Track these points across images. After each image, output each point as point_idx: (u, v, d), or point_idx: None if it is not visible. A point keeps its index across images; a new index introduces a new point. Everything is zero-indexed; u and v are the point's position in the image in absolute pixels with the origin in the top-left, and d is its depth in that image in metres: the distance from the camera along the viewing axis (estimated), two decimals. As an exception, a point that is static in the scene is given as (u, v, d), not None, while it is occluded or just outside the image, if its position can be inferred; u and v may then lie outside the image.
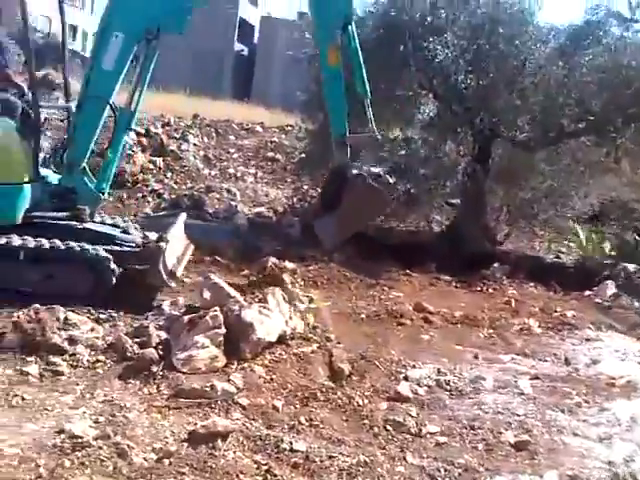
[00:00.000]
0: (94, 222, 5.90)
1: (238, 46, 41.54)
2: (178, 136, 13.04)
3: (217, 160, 12.71)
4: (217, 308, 4.35)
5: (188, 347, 4.15)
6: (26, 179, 5.52)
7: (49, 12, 39.43)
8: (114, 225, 6.23)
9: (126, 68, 5.67)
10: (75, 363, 4.15)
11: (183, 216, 6.51)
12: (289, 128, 15.28)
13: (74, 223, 5.62)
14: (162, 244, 5.40)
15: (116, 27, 5.53)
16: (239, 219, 9.33)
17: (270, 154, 13.53)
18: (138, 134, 12.36)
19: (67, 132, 5.95)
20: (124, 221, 6.59)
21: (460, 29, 8.26)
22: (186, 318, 4.32)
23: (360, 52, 5.69)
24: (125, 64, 5.64)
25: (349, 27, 5.61)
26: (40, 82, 16.16)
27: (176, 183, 11.10)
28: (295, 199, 10.70)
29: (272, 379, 4.13)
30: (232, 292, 4.63)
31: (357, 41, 5.66)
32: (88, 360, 4.19)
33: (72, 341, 4.27)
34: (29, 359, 4.12)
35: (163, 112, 14.46)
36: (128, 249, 5.67)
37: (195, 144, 13.17)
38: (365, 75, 5.69)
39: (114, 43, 5.52)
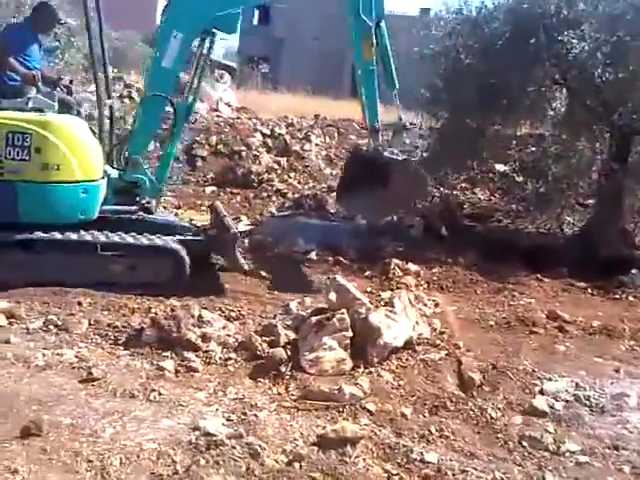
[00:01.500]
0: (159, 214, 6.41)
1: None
2: (301, 136, 13.23)
3: (339, 159, 12.76)
4: (344, 310, 4.33)
5: (316, 348, 4.16)
6: (101, 175, 5.84)
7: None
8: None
9: (186, 67, 6.21)
10: (208, 360, 4.27)
11: None
12: (410, 126, 15.08)
13: (143, 216, 6.00)
14: (236, 232, 6.04)
15: (176, 27, 5.80)
16: (360, 219, 9.31)
17: (391, 153, 13.42)
18: (263, 135, 12.69)
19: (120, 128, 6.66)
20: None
21: (598, 21, 7.75)
22: (313, 319, 4.33)
23: (390, 48, 6.33)
24: (183, 62, 6.02)
25: (381, 24, 6.20)
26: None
27: (299, 183, 11.27)
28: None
29: (399, 385, 4.06)
30: (358, 294, 4.59)
31: (387, 37, 6.27)
32: (220, 357, 4.31)
33: (205, 338, 4.40)
34: (165, 354, 4.29)
35: (287, 113, 14.73)
36: (198, 238, 6.14)
37: (317, 144, 13.31)
38: (394, 69, 6.40)
39: (173, 42, 5.78)
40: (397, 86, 6.48)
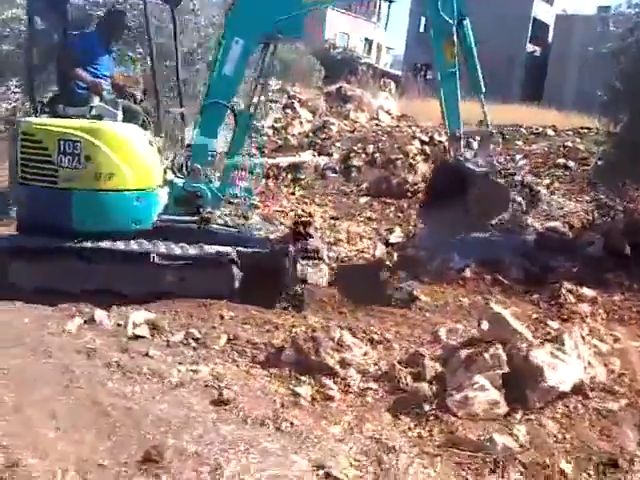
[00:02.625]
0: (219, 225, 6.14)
1: (530, 47, 39.64)
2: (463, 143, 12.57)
3: (502, 167, 11.92)
4: (499, 345, 3.78)
5: (465, 387, 3.67)
6: (157, 184, 5.70)
7: (348, 29, 42.17)
8: (234, 227, 6.51)
9: (245, 73, 5.88)
10: (346, 388, 3.95)
11: None
12: (585, 131, 13.84)
13: (203, 226, 5.76)
14: (290, 247, 5.79)
15: (236, 33, 5.62)
16: (527, 233, 8.53)
17: (561, 160, 12.34)
18: (422, 142, 12.21)
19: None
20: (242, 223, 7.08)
21: None
22: (464, 353, 3.83)
23: (475, 48, 5.74)
24: (244, 69, 5.78)
25: (464, 22, 5.69)
26: (334, 94, 17.15)
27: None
28: (596, 213, 9.47)
29: (564, 438, 3.44)
30: (518, 326, 4.02)
31: (472, 37, 5.72)
32: (359, 386, 3.96)
33: (345, 364, 4.08)
34: (302, 378, 4.03)
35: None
36: (255, 250, 5.72)
37: (480, 151, 12.57)
38: (480, 71, 5.78)
39: (234, 49, 5.62)
40: (483, 90, 5.89)
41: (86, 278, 5.34)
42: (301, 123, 14.26)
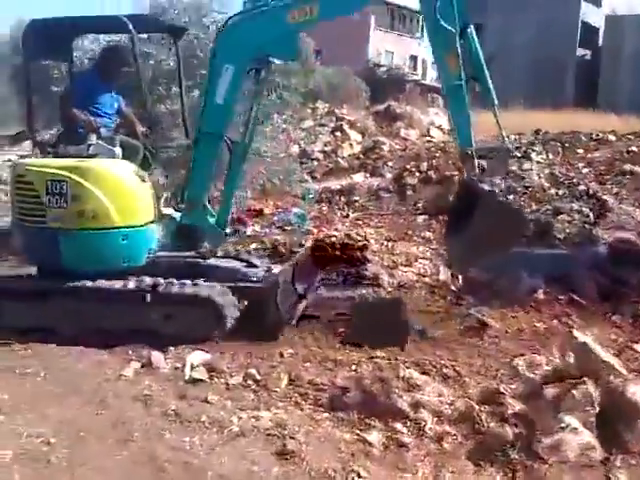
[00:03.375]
0: (219, 257, 5.80)
1: (580, 51, 38.66)
2: (519, 155, 12.12)
3: (565, 177, 11.43)
4: (589, 381, 3.41)
5: (552, 429, 3.30)
6: (148, 220, 5.47)
7: (392, 47, 42.12)
8: (239, 259, 5.98)
9: (237, 101, 5.54)
10: (420, 433, 3.62)
11: None
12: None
13: (197, 261, 5.55)
14: (278, 279, 5.32)
15: (225, 59, 5.35)
16: (597, 246, 8.04)
17: (627, 167, 11.74)
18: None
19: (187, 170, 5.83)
20: (247, 252, 6.72)
21: None
22: (550, 391, 3.47)
23: (482, 56, 5.21)
24: (236, 97, 5.48)
25: (468, 30, 5.16)
26: (382, 113, 16.92)
27: (519, 206, 10.19)
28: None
29: (674, 486, 3.05)
30: (606, 356, 3.63)
31: (478, 44, 5.21)
32: (434, 430, 3.63)
33: (417, 406, 3.76)
34: (371, 423, 3.73)
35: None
36: (249, 284, 5.37)
37: (538, 162, 12.09)
38: (490, 82, 5.22)
39: (224, 76, 5.35)
40: (496, 102, 5.24)
41: (74, 317, 5.23)
42: (351, 145, 14.09)
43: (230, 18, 5.49)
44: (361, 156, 13.28)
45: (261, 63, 5.45)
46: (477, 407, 3.67)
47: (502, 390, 3.77)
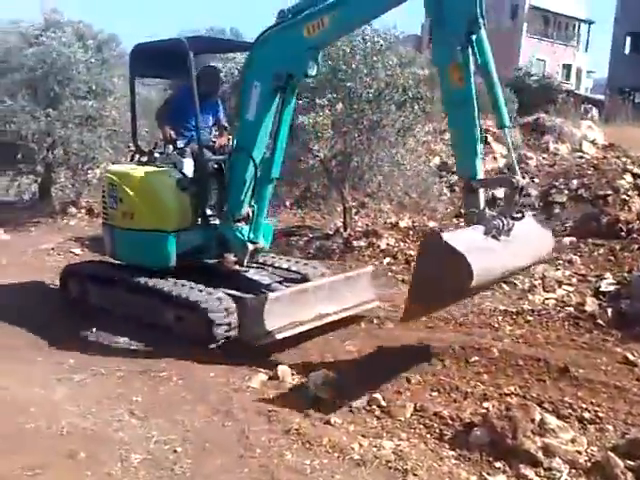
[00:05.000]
0: (251, 267, 6.01)
1: None
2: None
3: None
4: None
5: None
6: (182, 226, 5.85)
7: (544, 55, 40.30)
8: (282, 268, 6.27)
9: (270, 119, 5.47)
10: (551, 481, 3.36)
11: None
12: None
13: (223, 268, 5.84)
14: (249, 298, 5.27)
15: (254, 76, 5.42)
16: None
17: None
18: (634, 176, 10.96)
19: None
20: (311, 265, 6.49)
21: None
22: None
23: (494, 67, 4.33)
24: (266, 114, 5.43)
25: (479, 34, 4.27)
26: (530, 126, 16.17)
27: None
28: None
29: None
30: None
31: (488, 53, 4.31)
32: (567, 481, 3.35)
33: (548, 451, 3.50)
34: (497, 465, 3.52)
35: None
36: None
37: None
38: (502, 97, 4.37)
39: (254, 92, 5.41)
40: (508, 123, 4.42)
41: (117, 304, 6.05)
42: (495, 158, 13.57)
43: (261, 34, 5.43)
44: (505, 170, 12.74)
45: (280, 80, 5.32)
46: (618, 460, 3.34)
47: (647, 443, 3.40)
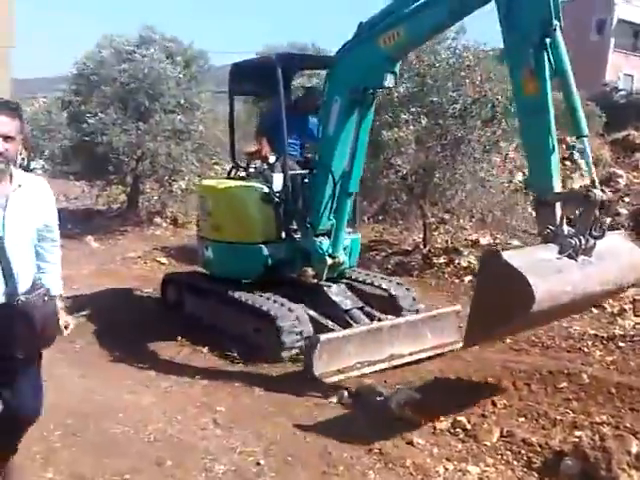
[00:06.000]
0: (337, 283, 5.96)
1: None
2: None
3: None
4: None
5: None
6: (266, 239, 5.88)
7: (633, 70, 38.77)
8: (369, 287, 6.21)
9: (350, 133, 5.43)
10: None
11: None
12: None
13: (302, 282, 5.79)
14: (316, 337, 4.94)
15: (334, 90, 5.42)
16: None
17: None
18: None
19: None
20: (407, 289, 6.28)
21: None
22: None
23: (571, 73, 3.97)
24: (344, 128, 5.42)
25: (554, 36, 3.94)
26: (620, 143, 15.58)
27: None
28: None
29: None
30: None
31: (565, 59, 3.95)
32: (666, 520, 3.16)
33: (646, 486, 3.31)
34: (592, 496, 3.36)
35: None
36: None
37: None
38: (579, 106, 3.98)
39: (334, 107, 5.41)
40: (586, 132, 4.03)
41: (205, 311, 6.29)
42: (582, 176, 13.10)
43: (341, 48, 5.41)
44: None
45: (356, 93, 5.29)
46: None
47: None
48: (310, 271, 5.82)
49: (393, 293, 6.15)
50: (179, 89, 11.73)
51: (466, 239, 10.13)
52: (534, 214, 10.07)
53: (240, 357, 5.40)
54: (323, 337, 4.93)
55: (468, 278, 8.43)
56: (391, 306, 6.05)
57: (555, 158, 4.11)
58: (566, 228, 3.99)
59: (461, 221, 10.25)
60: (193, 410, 4.45)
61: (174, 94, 11.59)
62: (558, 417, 4.25)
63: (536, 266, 3.69)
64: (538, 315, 3.81)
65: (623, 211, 11.01)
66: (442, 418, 4.25)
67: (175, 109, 11.70)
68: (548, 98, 4.06)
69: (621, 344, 5.80)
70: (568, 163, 14.10)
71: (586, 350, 5.66)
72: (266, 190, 5.97)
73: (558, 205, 4.05)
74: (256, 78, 6.24)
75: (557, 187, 4.10)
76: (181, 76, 11.77)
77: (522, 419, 4.26)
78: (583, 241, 3.89)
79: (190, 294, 6.60)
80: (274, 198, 5.93)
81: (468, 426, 4.13)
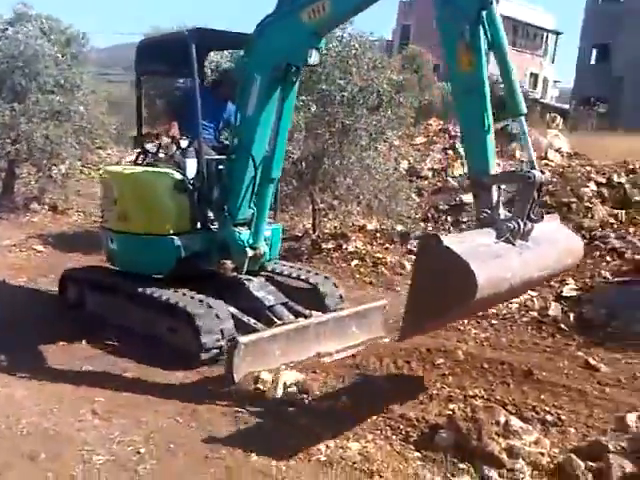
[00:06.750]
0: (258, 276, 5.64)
1: None
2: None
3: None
4: None
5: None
6: (179, 230, 5.47)
7: (512, 63, 41.00)
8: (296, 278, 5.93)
9: (271, 114, 5.17)
10: (514, 483, 3.41)
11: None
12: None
13: (222, 276, 5.47)
14: (239, 340, 4.54)
15: (254, 68, 5.10)
16: None
17: None
18: (598, 184, 11.20)
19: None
20: (326, 278, 6.05)
21: None
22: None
23: (507, 49, 3.91)
24: (266, 109, 5.13)
25: (488, 10, 3.83)
26: (498, 133, 16.37)
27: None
28: None
29: None
30: None
31: (502, 34, 3.87)
32: (529, 482, 3.40)
33: (511, 453, 3.53)
34: (461, 466, 3.55)
35: (628, 157, 12.87)
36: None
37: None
38: (517, 82, 3.94)
39: (254, 87, 5.08)
40: (524, 111, 3.98)
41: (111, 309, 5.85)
42: (462, 164, 13.71)
43: (260, 23, 5.11)
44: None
45: (278, 70, 5.04)
46: (579, 462, 3.39)
47: (609, 446, 3.45)
48: (229, 264, 5.47)
49: (320, 289, 5.85)
50: (58, 69, 11.11)
51: (353, 224, 10.34)
52: (416, 200, 10.14)
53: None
54: (245, 339, 4.60)
55: (355, 262, 8.63)
56: (315, 300, 5.78)
57: (491, 139, 3.95)
58: (503, 212, 3.89)
59: (349, 207, 10.46)
60: (70, 402, 4.28)
61: (52, 74, 10.97)
62: (435, 392, 4.46)
63: (476, 252, 3.51)
64: (477, 303, 3.65)
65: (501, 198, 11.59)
66: (325, 398, 4.34)
67: (54, 89, 11.09)
68: (484, 74, 3.92)
69: (494, 322, 6.16)
70: (450, 152, 14.68)
71: (462, 328, 5.96)
72: (179, 177, 5.54)
73: (495, 188, 3.93)
74: (166, 56, 5.77)
75: (493, 169, 3.97)
76: (59, 55, 11.17)
77: (401, 395, 4.42)
78: (521, 225, 3.78)
79: (92, 291, 6.10)
80: (188, 185, 5.51)
81: (350, 404, 4.23)
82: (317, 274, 6.17)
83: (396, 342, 4.96)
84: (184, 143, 5.71)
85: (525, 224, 3.80)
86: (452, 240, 3.54)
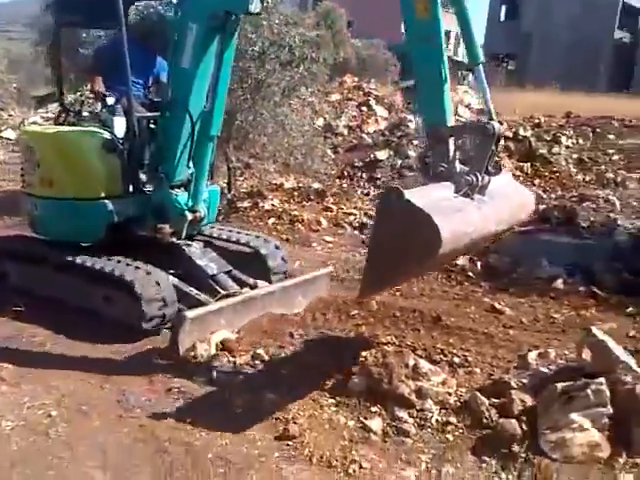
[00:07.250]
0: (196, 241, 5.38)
1: (618, 33, 37.47)
2: (549, 138, 11.84)
3: (593, 163, 11.16)
4: (602, 380, 3.30)
5: (561, 427, 3.22)
6: (110, 194, 5.10)
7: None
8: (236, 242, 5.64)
9: (209, 67, 4.87)
10: (423, 422, 3.57)
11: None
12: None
13: (159, 242, 5.16)
14: (185, 313, 4.36)
15: (188, 17, 4.80)
16: (618, 235, 7.82)
17: (660, 154, 11.40)
18: (505, 138, 11.57)
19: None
20: (266, 241, 5.78)
21: None
22: (559, 386, 3.36)
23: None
24: (203, 60, 4.83)
25: None
26: (411, 90, 16.57)
27: (545, 191, 9.94)
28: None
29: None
30: (623, 355, 3.51)
31: None
32: (437, 420, 3.57)
33: (421, 394, 3.69)
34: (373, 409, 3.67)
35: (534, 112, 13.36)
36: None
37: (568, 146, 11.81)
38: (473, 30, 3.85)
39: (189, 37, 4.78)
40: (482, 59, 3.90)
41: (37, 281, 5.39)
42: (377, 121, 13.87)
43: None
44: (386, 133, 13.05)
45: (220, 19, 4.72)
46: (484, 399, 3.59)
47: (511, 383, 3.66)
48: (167, 228, 5.15)
49: (262, 252, 5.63)
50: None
51: (270, 183, 10.31)
52: (332, 157, 10.08)
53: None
54: (192, 313, 4.37)
55: (272, 220, 8.64)
56: (257, 264, 5.57)
57: (447, 90, 3.86)
58: (459, 165, 3.80)
59: (265, 165, 10.40)
60: (-25, 369, 4.13)
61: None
62: (347, 344, 4.56)
63: (439, 206, 3.40)
64: (440, 258, 3.57)
65: (412, 153, 11.81)
66: (243, 354, 4.36)
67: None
68: (440, 20, 3.80)
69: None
70: (365, 109, 14.76)
71: (376, 280, 6.08)
72: (107, 136, 5.12)
73: (451, 141, 3.83)
74: (87, 6, 5.32)
75: (450, 120, 3.88)
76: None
77: (317, 347, 4.51)
78: (479, 178, 3.69)
79: (16, 262, 5.65)
80: (117, 145, 5.11)
81: (266, 357, 4.29)
82: (257, 237, 5.94)
83: (355, 301, 4.98)
84: (111, 100, 5.26)
85: (483, 178, 3.72)
86: (414, 194, 3.39)
